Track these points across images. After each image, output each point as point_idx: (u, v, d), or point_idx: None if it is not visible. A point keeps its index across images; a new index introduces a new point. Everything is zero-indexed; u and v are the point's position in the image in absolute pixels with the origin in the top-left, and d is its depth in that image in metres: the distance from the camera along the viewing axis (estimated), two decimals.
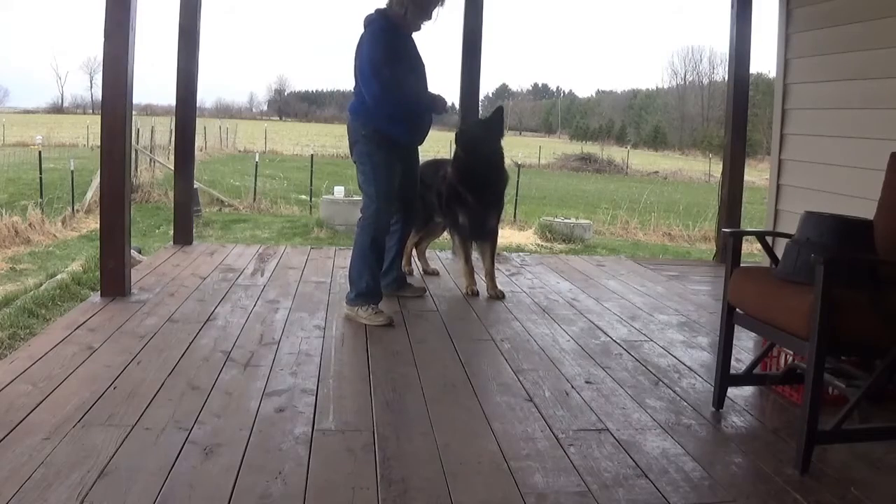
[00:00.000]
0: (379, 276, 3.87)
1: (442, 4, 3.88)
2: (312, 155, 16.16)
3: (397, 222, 4.09)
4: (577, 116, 66.23)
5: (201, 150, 22.35)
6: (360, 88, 3.72)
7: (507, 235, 11.63)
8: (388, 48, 3.67)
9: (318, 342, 3.39)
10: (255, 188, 14.66)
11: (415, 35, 3.91)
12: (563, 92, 78.86)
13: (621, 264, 5.87)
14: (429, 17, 3.86)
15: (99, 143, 3.96)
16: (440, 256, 5.66)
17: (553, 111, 72.07)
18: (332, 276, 4.71)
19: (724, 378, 2.73)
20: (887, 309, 2.22)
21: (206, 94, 75.31)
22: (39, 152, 12.98)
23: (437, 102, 3.89)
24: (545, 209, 14.36)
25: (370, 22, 3.77)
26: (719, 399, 2.75)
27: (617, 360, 3.31)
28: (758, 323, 2.56)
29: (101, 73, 3.91)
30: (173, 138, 6.48)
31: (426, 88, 3.94)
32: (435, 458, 2.27)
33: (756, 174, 18.67)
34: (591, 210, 15.18)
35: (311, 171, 15.03)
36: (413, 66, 3.86)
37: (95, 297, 4.01)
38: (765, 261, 3.19)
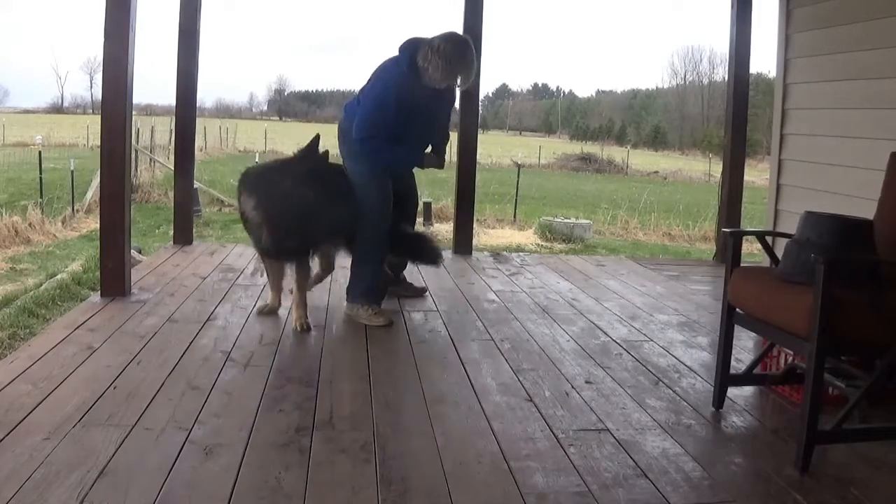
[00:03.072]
0: (381, 273, 3.86)
1: (469, 77, 3.72)
2: None
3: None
4: (577, 116, 66.18)
5: (201, 150, 22.33)
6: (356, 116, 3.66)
7: (507, 235, 11.64)
8: (385, 109, 3.57)
9: (318, 342, 3.39)
10: None
11: (415, 34, 3.88)
12: (563, 92, 78.77)
13: (621, 264, 5.87)
14: (452, 80, 3.68)
15: (99, 143, 3.96)
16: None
17: (553, 111, 72.01)
18: (332, 276, 4.70)
19: (724, 378, 2.73)
20: (887, 309, 2.22)
21: (206, 94, 75.21)
22: (39, 152, 12.96)
23: (423, 160, 3.84)
24: (545, 209, 14.33)
25: (386, 69, 3.68)
26: (719, 399, 2.75)
27: (617, 360, 3.31)
28: (758, 323, 2.56)
29: (101, 73, 3.91)
30: (173, 138, 6.48)
31: (419, 137, 3.82)
32: (435, 458, 2.27)
33: (756, 174, 18.64)
34: (591, 210, 15.16)
35: None
36: (414, 115, 3.66)
37: (95, 297, 4.01)
38: (765, 261, 3.19)
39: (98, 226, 4.23)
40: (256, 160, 15.81)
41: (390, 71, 3.68)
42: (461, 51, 3.63)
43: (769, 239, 3.03)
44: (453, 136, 4.62)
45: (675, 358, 3.39)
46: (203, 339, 3.34)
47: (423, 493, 2.06)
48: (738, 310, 2.65)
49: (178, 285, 4.30)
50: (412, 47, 3.66)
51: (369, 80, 3.79)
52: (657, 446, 2.42)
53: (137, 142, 15.15)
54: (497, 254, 6.23)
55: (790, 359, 2.87)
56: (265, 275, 3.99)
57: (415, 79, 3.62)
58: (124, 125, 3.85)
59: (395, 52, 3.73)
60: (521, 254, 6.70)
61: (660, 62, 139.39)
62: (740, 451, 2.46)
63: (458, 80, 3.73)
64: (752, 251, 7.62)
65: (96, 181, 10.76)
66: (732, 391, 2.84)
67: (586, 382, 3.00)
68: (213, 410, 2.54)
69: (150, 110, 33.49)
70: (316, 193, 3.41)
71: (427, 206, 11.95)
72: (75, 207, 11.63)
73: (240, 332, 3.47)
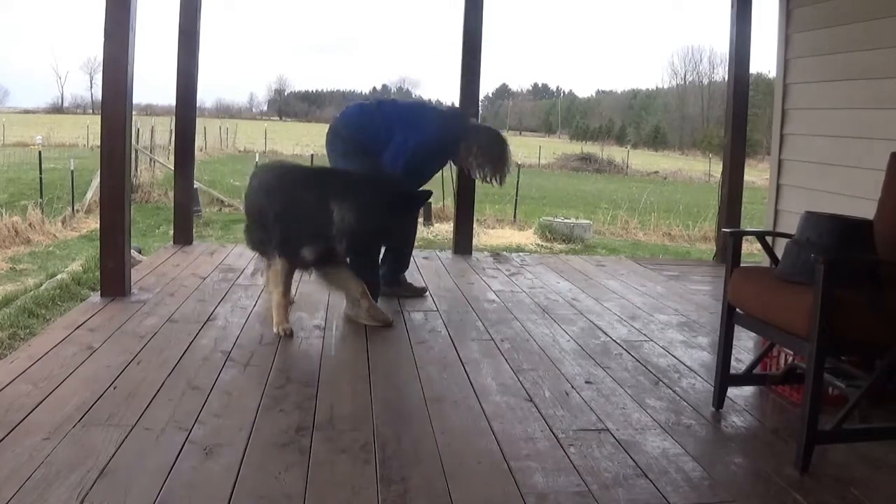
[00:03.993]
0: (377, 271, 3.93)
1: (504, 176, 3.95)
2: (312, 155, 16.11)
3: None
4: (577, 116, 66.11)
5: (201, 150, 22.34)
6: (390, 148, 3.76)
7: (507, 235, 11.64)
8: (426, 157, 3.82)
9: (318, 342, 3.39)
10: None
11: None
12: (563, 92, 78.65)
13: (621, 264, 5.87)
14: (487, 177, 3.93)
15: (99, 143, 3.96)
16: (440, 256, 5.67)
17: (553, 111, 71.96)
18: None
19: (724, 378, 2.73)
20: (887, 309, 2.22)
21: (206, 94, 75.00)
22: (39, 152, 12.96)
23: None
24: (545, 209, 14.34)
25: (441, 134, 3.83)
26: (719, 399, 2.75)
27: (617, 360, 3.31)
28: (758, 323, 2.56)
29: (101, 73, 3.91)
30: (173, 138, 6.48)
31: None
32: (435, 458, 2.27)
33: (756, 174, 18.66)
34: (591, 210, 15.16)
35: None
36: (426, 171, 4.01)
37: (95, 297, 4.01)
38: (765, 261, 3.19)
39: (98, 226, 4.23)
40: (257, 160, 15.81)
41: (441, 135, 3.83)
42: (504, 155, 3.86)
43: (769, 239, 3.03)
44: None
45: (675, 358, 3.39)
46: (203, 339, 3.34)
47: (423, 493, 2.06)
48: (738, 310, 2.65)
49: (178, 285, 4.30)
50: (461, 126, 3.92)
51: (418, 113, 3.90)
52: (657, 446, 2.42)
53: (137, 142, 15.15)
54: (497, 254, 6.24)
55: (790, 359, 2.87)
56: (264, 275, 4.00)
57: (451, 151, 3.90)
58: (124, 125, 3.85)
59: (444, 102, 3.97)
60: (521, 254, 6.70)
61: (660, 62, 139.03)
62: (740, 451, 2.45)
63: (491, 176, 3.93)
64: (752, 251, 7.62)
65: (96, 181, 10.76)
66: (732, 391, 2.84)
67: (586, 382, 3.00)
68: (213, 410, 2.54)
69: (150, 110, 33.47)
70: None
71: (427, 206, 11.96)
72: (75, 207, 11.63)
73: (240, 332, 3.47)
